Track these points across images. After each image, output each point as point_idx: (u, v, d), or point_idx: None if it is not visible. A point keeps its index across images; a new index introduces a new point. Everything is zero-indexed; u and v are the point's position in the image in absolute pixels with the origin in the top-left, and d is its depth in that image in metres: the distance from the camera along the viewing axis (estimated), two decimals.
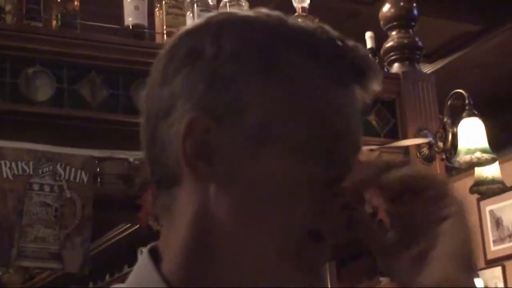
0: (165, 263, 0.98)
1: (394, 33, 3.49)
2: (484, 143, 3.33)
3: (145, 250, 1.01)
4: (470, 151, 3.31)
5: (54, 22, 2.94)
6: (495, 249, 7.48)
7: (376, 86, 1.00)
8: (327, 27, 0.99)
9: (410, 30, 3.50)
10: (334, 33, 0.98)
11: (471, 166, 3.45)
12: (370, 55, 1.02)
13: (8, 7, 2.89)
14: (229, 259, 0.96)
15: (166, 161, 0.98)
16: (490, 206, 7.43)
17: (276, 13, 1.01)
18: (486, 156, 3.34)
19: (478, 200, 7.25)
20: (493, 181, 3.64)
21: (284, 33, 0.99)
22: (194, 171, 0.94)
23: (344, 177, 0.96)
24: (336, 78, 0.97)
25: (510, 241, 7.32)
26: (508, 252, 7.30)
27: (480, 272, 7.24)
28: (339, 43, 0.98)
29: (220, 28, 0.98)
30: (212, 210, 0.94)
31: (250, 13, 1.03)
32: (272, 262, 0.96)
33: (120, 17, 3.09)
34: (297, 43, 0.98)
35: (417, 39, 3.51)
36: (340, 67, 0.97)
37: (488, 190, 3.72)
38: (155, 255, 0.99)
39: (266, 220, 0.94)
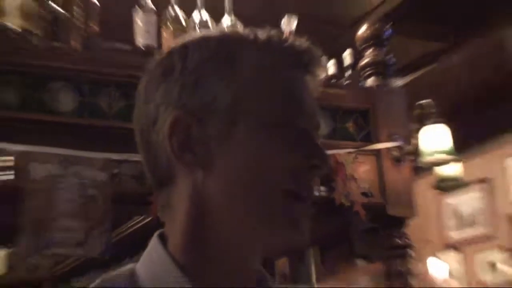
0: (170, 244, 1.03)
1: (369, 51, 3.49)
2: (447, 146, 3.34)
3: (154, 235, 1.07)
4: (433, 153, 3.32)
5: (76, 43, 2.92)
6: (453, 235, 7.51)
7: (320, 71, 1.07)
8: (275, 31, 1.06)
9: (383, 49, 3.49)
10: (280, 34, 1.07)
11: (434, 166, 3.47)
12: (313, 47, 1.07)
13: (36, 31, 2.88)
14: (221, 234, 1.00)
15: (160, 164, 1.03)
16: (450, 199, 7.45)
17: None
18: (447, 157, 3.35)
19: (440, 195, 7.28)
20: (453, 178, 3.65)
21: (239, 37, 1.05)
22: (182, 163, 0.99)
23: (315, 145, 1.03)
24: (288, 65, 1.04)
25: (466, 229, 7.34)
26: (464, 239, 7.36)
27: (440, 255, 7.29)
28: (285, 39, 1.06)
29: (183, 46, 1.05)
30: (202, 192, 0.99)
31: (211, 32, 1.13)
32: (253, 225, 0.99)
33: (133, 39, 3.08)
34: (251, 42, 1.04)
35: (389, 56, 3.51)
36: (289, 56, 1.04)
37: (449, 186, 3.73)
38: (162, 239, 1.05)
39: (246, 190, 0.98)
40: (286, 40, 1.05)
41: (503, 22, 5.56)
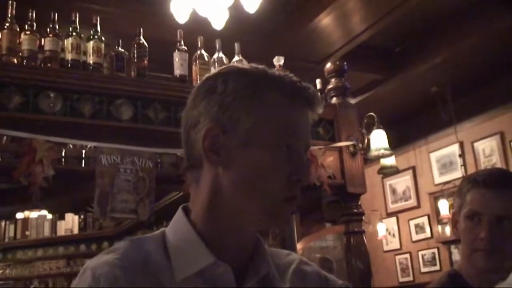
0: (192, 215, 1.02)
1: (333, 80, 3.49)
2: (386, 144, 3.33)
3: (180, 207, 1.05)
4: (377, 149, 3.31)
5: (132, 73, 2.93)
6: (392, 206, 7.47)
7: (319, 110, 1.04)
8: (291, 75, 1.02)
9: (342, 78, 3.49)
10: (296, 78, 1.01)
11: (378, 158, 3.45)
12: (316, 92, 1.05)
13: (105, 64, 2.89)
14: (231, 213, 0.98)
15: (194, 153, 1.00)
16: (389, 181, 7.42)
17: (262, 66, 1.04)
18: (386, 152, 3.34)
19: (382, 178, 7.25)
20: (390, 166, 3.64)
21: (264, 77, 1.00)
22: (209, 160, 0.98)
23: (302, 164, 1.00)
24: (295, 105, 1.00)
25: (400, 202, 7.32)
26: (400, 209, 7.30)
27: (384, 220, 7.24)
28: (299, 84, 1.00)
29: (227, 73, 1.01)
30: (220, 183, 0.97)
31: (246, 66, 1.05)
32: (257, 215, 0.98)
33: (172, 70, 3.08)
34: (272, 83, 1.00)
35: (346, 83, 3.50)
36: (299, 99, 1.00)
37: (388, 172, 3.72)
38: (186, 210, 1.03)
39: (253, 190, 0.96)
40: (297, 83, 1.00)
41: (419, 62, 5.61)
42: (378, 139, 3.33)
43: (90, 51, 2.83)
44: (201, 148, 0.98)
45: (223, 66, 1.07)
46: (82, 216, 6.72)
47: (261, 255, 1.04)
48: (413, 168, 7.10)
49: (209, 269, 0.96)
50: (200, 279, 0.95)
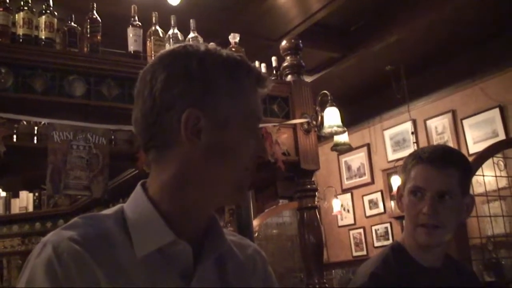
0: (150, 192, 1.02)
1: (288, 58, 3.50)
2: (338, 122, 3.36)
3: (139, 184, 1.05)
4: (330, 126, 3.35)
5: (85, 48, 2.88)
6: (347, 183, 7.58)
7: (269, 87, 1.07)
8: (243, 56, 1.05)
9: (297, 56, 3.50)
10: (246, 59, 1.05)
11: (331, 135, 3.49)
12: (264, 70, 1.11)
13: (57, 40, 2.83)
14: (198, 191, 0.99)
15: (164, 135, 0.99)
16: (345, 158, 7.52)
17: (213, 45, 1.06)
18: (338, 129, 3.38)
19: (338, 155, 7.35)
20: (343, 143, 3.68)
21: (235, 60, 1.04)
22: (190, 142, 0.97)
23: (261, 140, 1.08)
24: (259, 87, 1.05)
25: (355, 178, 7.43)
26: (354, 185, 7.42)
27: (339, 196, 7.34)
28: (256, 67, 1.06)
29: (199, 54, 1.01)
30: (192, 162, 0.98)
31: (205, 45, 1.05)
32: (225, 189, 1.02)
33: (126, 46, 3.05)
34: (244, 67, 1.04)
35: (301, 61, 3.51)
36: (261, 82, 1.06)
37: (341, 149, 3.77)
38: (143, 187, 1.04)
39: (225, 166, 0.99)
40: (254, 67, 1.05)
41: (374, 41, 5.67)
42: (331, 117, 3.37)
43: (42, 26, 2.77)
44: (178, 131, 0.97)
45: (184, 44, 1.06)
46: (36, 194, 6.61)
47: (217, 233, 1.06)
48: (368, 145, 7.23)
49: (169, 247, 0.97)
50: (160, 256, 0.97)
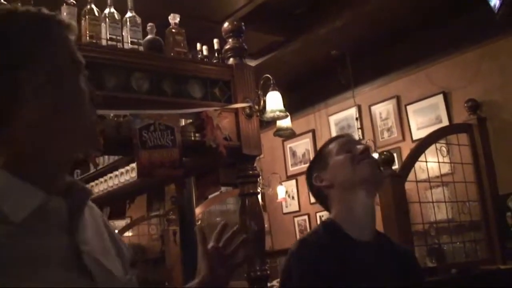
0: (1, 161, 1.02)
1: (230, 40, 3.50)
2: (281, 106, 3.39)
3: None
4: (272, 111, 3.38)
5: None
6: (292, 169, 7.67)
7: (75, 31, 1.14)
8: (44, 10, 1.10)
9: (240, 39, 3.50)
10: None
11: (273, 119, 3.52)
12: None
13: None
14: (49, 141, 1.03)
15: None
16: (289, 144, 7.60)
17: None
18: (281, 114, 3.41)
19: (283, 141, 7.42)
20: (286, 128, 3.71)
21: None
22: (29, 102, 1.00)
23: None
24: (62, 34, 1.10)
25: (300, 165, 7.52)
26: (299, 171, 7.50)
27: (283, 183, 7.42)
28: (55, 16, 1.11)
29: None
30: (38, 119, 1.01)
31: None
32: (74, 138, 1.07)
33: None
34: (36, 23, 1.07)
35: (243, 44, 3.52)
36: (62, 28, 1.10)
37: (283, 134, 3.80)
38: None
39: (68, 115, 1.05)
40: (57, 17, 1.11)
41: (320, 25, 5.73)
42: (274, 101, 3.39)
43: None
44: (15, 94, 1.00)
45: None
46: None
47: (77, 184, 1.12)
48: (313, 131, 7.32)
49: (44, 206, 1.00)
50: (37, 218, 0.98)
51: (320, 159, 1.81)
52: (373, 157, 1.78)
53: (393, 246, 1.79)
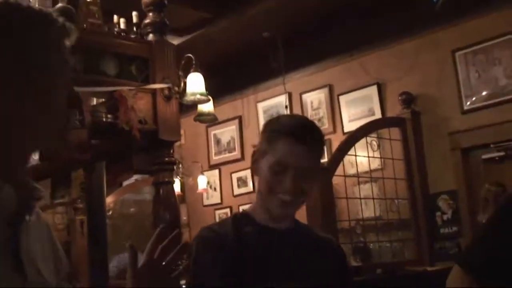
0: None
1: (150, 14, 3.45)
2: (202, 89, 3.38)
3: None
4: (193, 94, 3.36)
5: None
6: (215, 158, 7.65)
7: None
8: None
9: (161, 13, 3.46)
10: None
11: (194, 103, 3.51)
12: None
13: None
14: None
15: None
16: (214, 131, 7.58)
17: None
18: (202, 97, 3.40)
19: (207, 128, 7.40)
20: (208, 113, 3.70)
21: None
22: None
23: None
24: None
25: (224, 154, 7.52)
26: (223, 161, 7.51)
27: (205, 173, 7.40)
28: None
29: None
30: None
31: None
32: (34, 130, 1.09)
33: None
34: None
35: (165, 19, 3.48)
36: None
37: (204, 119, 3.80)
38: None
39: (31, 105, 1.07)
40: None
41: (252, 3, 5.72)
42: (195, 83, 3.38)
43: None
44: None
45: None
46: None
47: (30, 183, 1.15)
48: (240, 118, 7.32)
49: None
50: None
51: (268, 140, 1.70)
52: (295, 199, 1.66)
53: (316, 234, 1.82)
